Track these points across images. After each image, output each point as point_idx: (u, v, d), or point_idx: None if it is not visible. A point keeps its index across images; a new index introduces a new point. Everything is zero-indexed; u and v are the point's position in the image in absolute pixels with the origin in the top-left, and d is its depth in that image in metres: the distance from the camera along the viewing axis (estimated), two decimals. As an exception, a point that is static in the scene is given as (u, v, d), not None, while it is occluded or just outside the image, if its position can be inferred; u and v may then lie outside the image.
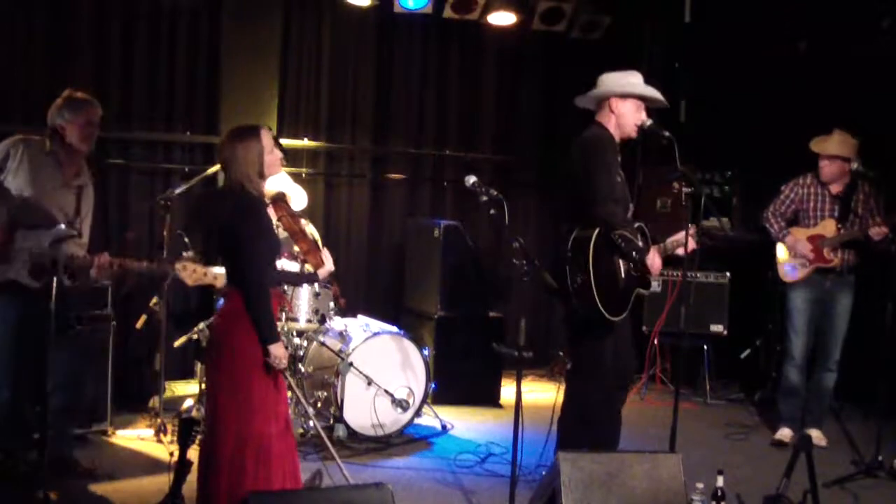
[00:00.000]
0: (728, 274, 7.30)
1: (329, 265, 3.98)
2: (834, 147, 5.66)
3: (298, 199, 5.56)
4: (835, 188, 5.74)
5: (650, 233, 4.63)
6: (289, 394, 4.11)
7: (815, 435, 5.77)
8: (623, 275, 4.41)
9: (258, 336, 3.54)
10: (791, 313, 5.83)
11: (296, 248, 4.04)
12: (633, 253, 4.34)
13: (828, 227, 5.71)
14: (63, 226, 4.42)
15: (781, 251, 5.88)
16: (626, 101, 4.51)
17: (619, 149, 4.57)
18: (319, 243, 4.06)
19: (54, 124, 4.49)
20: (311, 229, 4.10)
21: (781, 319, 6.06)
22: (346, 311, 6.01)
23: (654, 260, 4.50)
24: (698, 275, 7.19)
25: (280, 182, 5.44)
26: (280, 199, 3.98)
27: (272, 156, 3.68)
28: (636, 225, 4.52)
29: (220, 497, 3.51)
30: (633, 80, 4.55)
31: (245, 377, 3.57)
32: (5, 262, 4.33)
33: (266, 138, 3.67)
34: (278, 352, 3.56)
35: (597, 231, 4.33)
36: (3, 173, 4.42)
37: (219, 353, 3.65)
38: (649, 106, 4.60)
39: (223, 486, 3.51)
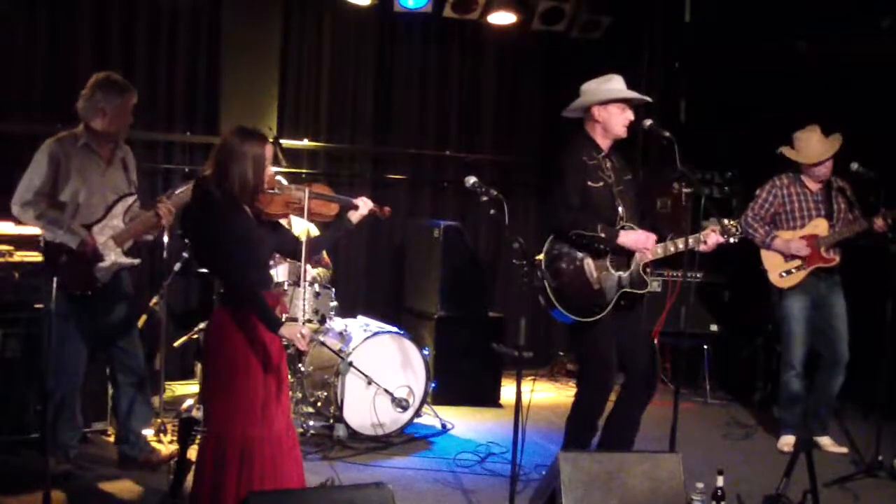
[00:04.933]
0: (728, 274, 7.29)
1: (363, 208, 4.16)
2: (821, 149, 5.52)
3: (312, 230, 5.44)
4: (815, 186, 5.64)
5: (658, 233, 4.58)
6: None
7: (827, 442, 5.74)
8: (594, 274, 4.44)
9: (267, 328, 3.53)
10: (788, 321, 5.65)
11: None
12: (598, 245, 4.39)
13: (819, 227, 5.57)
14: (123, 200, 4.59)
15: (769, 258, 5.68)
16: (607, 106, 4.53)
17: (607, 153, 4.57)
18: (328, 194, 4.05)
19: (93, 109, 4.50)
20: (304, 194, 3.89)
21: (776, 328, 5.88)
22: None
23: (629, 238, 4.42)
24: (698, 275, 7.18)
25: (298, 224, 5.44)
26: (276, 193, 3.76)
27: (268, 171, 3.63)
28: (618, 227, 4.47)
29: (203, 498, 3.52)
30: (611, 86, 4.55)
31: (228, 380, 3.57)
32: (100, 260, 4.49)
33: (269, 151, 3.62)
34: (291, 331, 3.52)
35: (550, 238, 4.48)
36: (57, 184, 4.46)
37: (206, 362, 3.72)
38: (636, 103, 4.58)
39: (206, 489, 3.52)
